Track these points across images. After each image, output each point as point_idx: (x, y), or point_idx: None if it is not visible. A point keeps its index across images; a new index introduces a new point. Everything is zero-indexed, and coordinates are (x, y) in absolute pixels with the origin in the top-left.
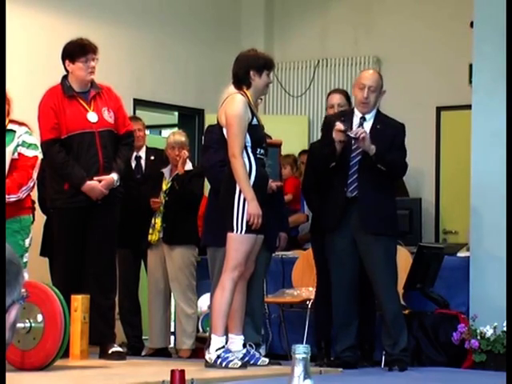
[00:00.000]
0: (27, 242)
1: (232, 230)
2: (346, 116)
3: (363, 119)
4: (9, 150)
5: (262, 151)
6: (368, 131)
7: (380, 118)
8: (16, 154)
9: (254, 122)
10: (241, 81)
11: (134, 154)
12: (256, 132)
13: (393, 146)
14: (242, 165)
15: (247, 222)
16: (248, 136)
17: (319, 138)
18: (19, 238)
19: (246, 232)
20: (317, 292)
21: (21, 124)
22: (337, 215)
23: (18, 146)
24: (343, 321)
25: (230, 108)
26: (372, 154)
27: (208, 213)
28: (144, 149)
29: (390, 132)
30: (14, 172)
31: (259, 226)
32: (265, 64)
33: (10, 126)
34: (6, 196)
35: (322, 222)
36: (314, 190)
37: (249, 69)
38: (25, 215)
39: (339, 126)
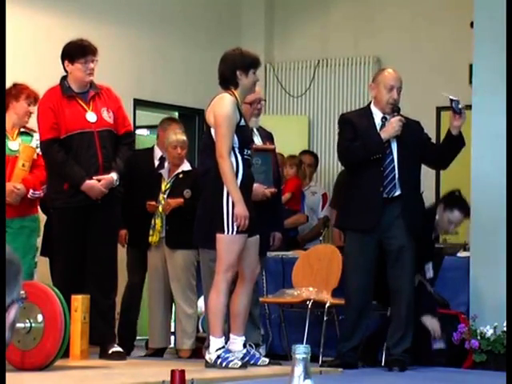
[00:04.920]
0: (38, 241)
1: (222, 232)
2: (366, 114)
3: (385, 119)
4: (33, 145)
5: (249, 152)
6: None
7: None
8: (35, 154)
9: (242, 122)
10: (228, 81)
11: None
12: (243, 133)
13: (420, 143)
14: (230, 166)
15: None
16: (236, 137)
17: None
18: (34, 238)
19: (237, 233)
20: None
21: (32, 131)
22: (373, 216)
23: (37, 147)
24: (357, 320)
25: (218, 108)
26: (457, 134)
27: (199, 214)
28: None
29: (410, 131)
30: (35, 170)
31: (246, 227)
32: (251, 63)
33: (23, 130)
34: (32, 191)
35: (351, 222)
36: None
37: (235, 69)
38: (37, 214)
39: (447, 94)
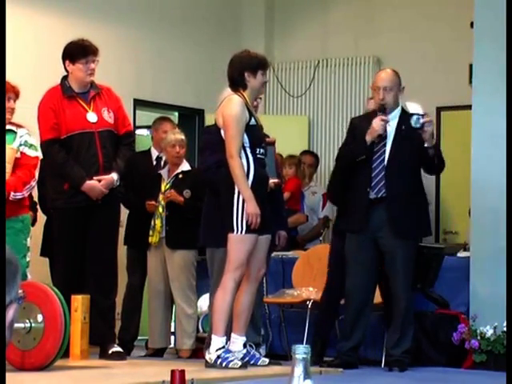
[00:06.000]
0: (29, 241)
1: (232, 231)
2: (370, 117)
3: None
4: (14, 146)
5: (262, 151)
6: (393, 132)
7: (404, 118)
8: (19, 152)
9: (252, 122)
10: (236, 83)
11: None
12: (254, 132)
13: (419, 144)
14: (239, 165)
15: (247, 222)
16: (246, 136)
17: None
18: (22, 238)
19: (247, 232)
20: (326, 292)
21: (18, 126)
22: (361, 217)
23: (20, 145)
24: (357, 320)
25: (227, 109)
26: (431, 145)
27: (206, 213)
28: None
29: (410, 132)
30: (17, 170)
31: (258, 225)
32: (258, 64)
33: (8, 127)
34: (13, 193)
35: (345, 223)
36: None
37: (243, 70)
38: (25, 214)
39: (415, 106)
